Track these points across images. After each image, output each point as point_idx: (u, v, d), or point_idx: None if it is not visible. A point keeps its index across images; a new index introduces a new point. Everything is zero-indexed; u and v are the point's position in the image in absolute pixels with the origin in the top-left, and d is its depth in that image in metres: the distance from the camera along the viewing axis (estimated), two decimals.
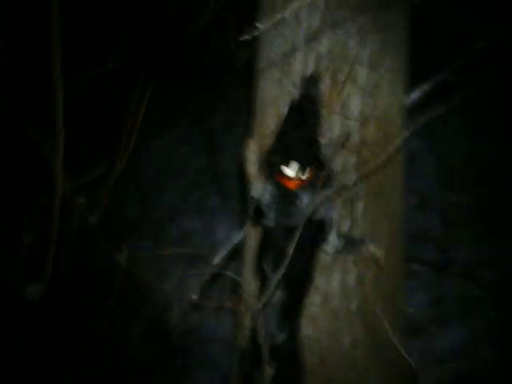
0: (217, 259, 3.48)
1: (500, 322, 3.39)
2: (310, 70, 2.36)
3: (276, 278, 2.27)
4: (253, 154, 2.44)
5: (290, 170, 2.27)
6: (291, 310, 2.37)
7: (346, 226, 2.44)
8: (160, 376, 3.49)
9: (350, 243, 2.41)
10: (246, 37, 1.46)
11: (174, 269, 2.94)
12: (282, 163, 2.28)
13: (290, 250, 2.19)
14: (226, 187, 4.58)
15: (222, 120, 4.32)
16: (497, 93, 3.62)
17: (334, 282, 2.45)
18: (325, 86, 2.34)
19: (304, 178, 2.28)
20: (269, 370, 2.36)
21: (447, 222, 3.82)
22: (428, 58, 3.31)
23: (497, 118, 4.00)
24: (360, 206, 2.45)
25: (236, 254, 2.87)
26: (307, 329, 2.43)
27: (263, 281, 2.39)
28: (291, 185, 2.29)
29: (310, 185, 2.29)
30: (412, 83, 2.59)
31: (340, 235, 2.39)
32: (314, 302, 2.44)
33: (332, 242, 2.38)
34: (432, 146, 4.09)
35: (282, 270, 2.22)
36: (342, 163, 2.40)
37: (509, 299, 3.47)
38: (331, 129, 2.38)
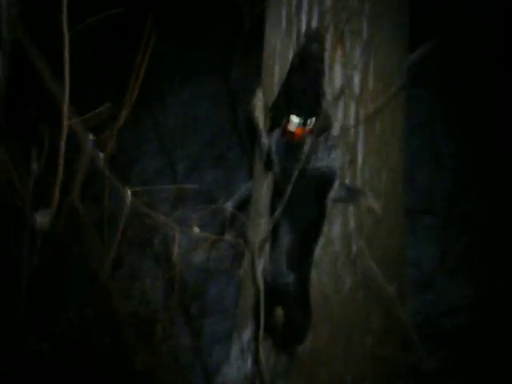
0: (230, 204, 3.58)
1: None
2: (314, 23, 2.41)
3: (283, 222, 2.37)
4: (260, 104, 2.54)
5: (291, 125, 2.33)
6: (300, 255, 2.46)
7: (346, 176, 2.50)
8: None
9: (350, 193, 2.48)
10: None
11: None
12: (284, 116, 2.34)
13: (295, 196, 2.28)
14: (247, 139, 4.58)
15: (242, 70, 4.30)
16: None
17: (335, 227, 2.52)
18: (328, 38, 2.40)
19: (306, 129, 2.33)
20: (277, 310, 2.47)
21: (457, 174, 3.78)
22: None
23: None
24: (360, 156, 2.50)
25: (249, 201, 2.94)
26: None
27: (272, 225, 2.45)
28: (293, 137, 2.36)
29: (313, 135, 2.34)
30: (413, 40, 2.65)
31: (341, 185, 2.46)
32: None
33: (335, 190, 2.45)
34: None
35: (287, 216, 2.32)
36: (342, 112, 2.45)
37: None
38: (333, 79, 2.44)
